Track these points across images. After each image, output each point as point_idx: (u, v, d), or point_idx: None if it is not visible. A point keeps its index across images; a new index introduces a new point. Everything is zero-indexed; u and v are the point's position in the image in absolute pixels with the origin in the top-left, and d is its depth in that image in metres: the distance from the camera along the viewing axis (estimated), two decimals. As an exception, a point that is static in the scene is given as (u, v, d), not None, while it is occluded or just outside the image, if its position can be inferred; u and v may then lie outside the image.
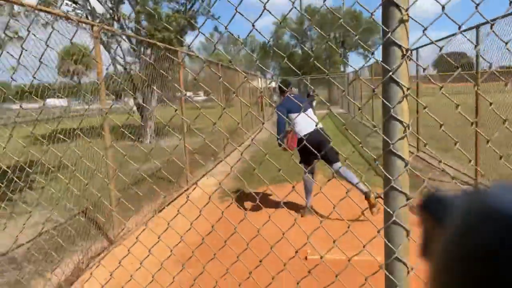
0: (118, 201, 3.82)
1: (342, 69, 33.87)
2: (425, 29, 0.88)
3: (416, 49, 7.16)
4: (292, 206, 4.68)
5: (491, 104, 1.01)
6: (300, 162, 4.33)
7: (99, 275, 3.09)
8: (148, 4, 11.55)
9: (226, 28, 1.50)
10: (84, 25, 3.81)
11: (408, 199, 0.93)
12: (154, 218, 4.51)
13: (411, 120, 0.90)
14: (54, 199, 4.25)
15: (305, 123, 4.36)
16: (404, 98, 0.89)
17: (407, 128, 0.90)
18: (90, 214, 4.07)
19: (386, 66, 0.90)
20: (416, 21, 0.91)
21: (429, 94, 8.40)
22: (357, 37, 1.17)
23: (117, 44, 12.09)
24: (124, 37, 11.22)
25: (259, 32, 1.43)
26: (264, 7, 1.40)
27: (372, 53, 1.10)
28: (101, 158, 4.03)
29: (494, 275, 0.22)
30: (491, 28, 1.09)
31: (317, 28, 1.66)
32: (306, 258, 3.15)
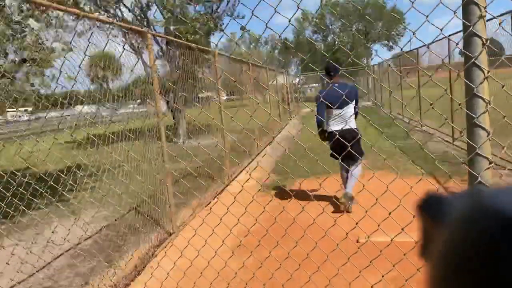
0: (174, 196, 4.11)
1: (365, 62, 33.43)
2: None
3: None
4: (330, 197, 4.83)
5: (503, 86, 1.19)
6: (331, 155, 4.43)
7: (164, 263, 3.38)
8: (176, 9, 11.93)
9: (244, 28, 1.74)
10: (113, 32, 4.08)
11: (490, 162, 1.11)
12: (203, 211, 4.80)
13: (492, 97, 1.09)
14: (115, 196, 4.60)
15: (338, 119, 4.37)
16: (485, 80, 1.07)
17: (488, 103, 1.08)
18: (148, 209, 4.38)
19: (469, 54, 1.09)
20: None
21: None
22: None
23: (145, 48, 12.52)
24: (154, 41, 11.62)
25: (278, 33, 1.62)
26: (275, 9, 1.66)
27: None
28: (155, 156, 4.34)
29: (494, 275, 0.22)
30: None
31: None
32: (357, 241, 3.32)
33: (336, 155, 4.23)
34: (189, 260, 2.78)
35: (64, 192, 3.26)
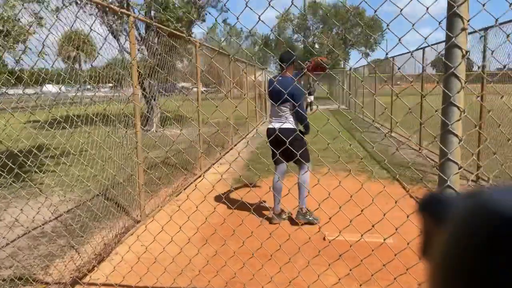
0: (143, 184, 4.04)
1: (342, 65, 34.11)
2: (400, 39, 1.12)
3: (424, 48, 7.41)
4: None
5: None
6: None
7: (122, 250, 3.34)
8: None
9: (237, 19, 1.77)
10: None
11: (459, 168, 1.18)
12: (172, 202, 4.76)
13: (466, 107, 1.15)
14: (79, 181, 4.46)
15: (274, 117, 3.97)
16: (462, 89, 1.14)
17: (462, 112, 1.15)
18: (115, 196, 4.28)
19: (449, 64, 1.14)
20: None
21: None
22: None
23: (125, 33, 12.18)
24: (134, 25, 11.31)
25: (273, 31, 1.65)
26: (269, 3, 1.69)
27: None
28: (120, 144, 4.21)
29: (494, 275, 0.22)
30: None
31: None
32: (324, 238, 3.40)
33: (272, 157, 3.92)
34: (144, 246, 2.79)
35: (20, 172, 3.12)
